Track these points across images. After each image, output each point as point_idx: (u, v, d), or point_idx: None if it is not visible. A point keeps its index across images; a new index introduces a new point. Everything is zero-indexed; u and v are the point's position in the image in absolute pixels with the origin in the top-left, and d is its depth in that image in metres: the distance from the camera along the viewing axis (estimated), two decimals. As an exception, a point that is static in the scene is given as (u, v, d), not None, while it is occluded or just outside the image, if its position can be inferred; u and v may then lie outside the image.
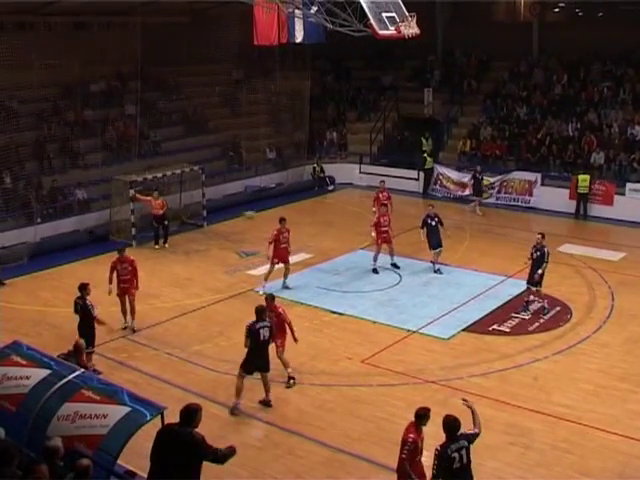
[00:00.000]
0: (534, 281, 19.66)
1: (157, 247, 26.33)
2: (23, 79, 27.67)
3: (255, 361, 14.88)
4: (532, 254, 19.78)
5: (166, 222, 26.52)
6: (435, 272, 22.99)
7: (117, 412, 10.15)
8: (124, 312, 19.20)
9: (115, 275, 18.93)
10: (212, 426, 14.31)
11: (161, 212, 26.40)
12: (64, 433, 9.92)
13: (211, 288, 21.60)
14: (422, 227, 23.24)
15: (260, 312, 14.89)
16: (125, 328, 19.19)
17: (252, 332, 14.71)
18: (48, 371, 11.17)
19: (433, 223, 23.11)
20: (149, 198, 26.62)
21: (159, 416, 10.30)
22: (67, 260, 24.73)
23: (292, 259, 24.28)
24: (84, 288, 16.48)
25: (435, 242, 23.03)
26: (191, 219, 28.75)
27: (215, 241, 26.87)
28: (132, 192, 26.48)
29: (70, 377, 10.95)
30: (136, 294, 19.09)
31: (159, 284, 22.15)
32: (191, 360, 17.48)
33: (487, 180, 31.92)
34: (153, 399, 10.96)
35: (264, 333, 14.77)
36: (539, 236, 19.75)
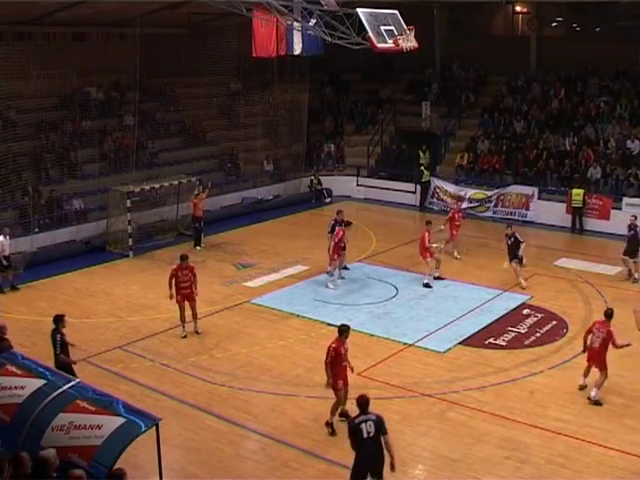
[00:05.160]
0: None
1: (199, 248, 27.04)
2: (21, 89, 27.70)
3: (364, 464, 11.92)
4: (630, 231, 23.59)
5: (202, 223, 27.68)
6: (344, 268, 24.14)
7: (112, 423, 10.10)
8: (183, 319, 19.54)
9: (174, 282, 19.40)
10: (207, 438, 14.34)
11: (202, 212, 27.52)
12: (58, 444, 9.87)
13: (207, 300, 21.55)
14: (330, 232, 24.03)
15: (363, 405, 12.00)
16: (185, 337, 19.41)
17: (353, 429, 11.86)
18: (43, 381, 11.13)
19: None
20: (196, 201, 27.45)
21: (154, 427, 10.26)
22: (63, 270, 24.76)
23: (288, 271, 24.48)
24: (60, 320, 15.42)
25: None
26: (188, 230, 28.69)
27: (212, 253, 26.83)
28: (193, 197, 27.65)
29: (65, 387, 10.90)
30: (197, 300, 19.69)
31: (155, 295, 22.12)
32: (187, 372, 17.44)
33: (484, 194, 32.02)
34: (148, 410, 10.92)
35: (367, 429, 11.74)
36: (633, 217, 23.85)
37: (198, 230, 27.48)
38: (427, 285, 22.93)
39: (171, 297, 19.40)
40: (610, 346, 15.78)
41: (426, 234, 23.16)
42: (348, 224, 24.09)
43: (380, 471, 11.75)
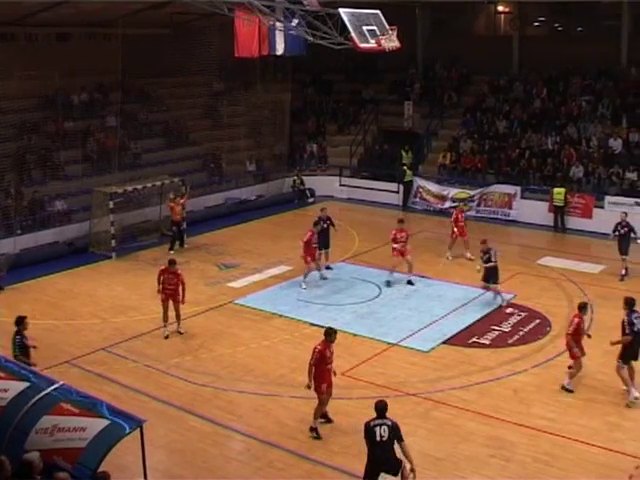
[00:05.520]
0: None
1: (172, 252, 26.36)
2: (3, 90, 27.49)
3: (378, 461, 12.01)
4: (618, 230, 23.54)
5: (184, 225, 27.50)
6: (327, 268, 24.24)
7: (96, 425, 10.04)
8: (165, 319, 19.57)
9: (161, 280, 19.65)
10: (192, 439, 14.32)
11: (180, 217, 27.27)
12: (42, 447, 9.82)
13: (191, 300, 21.41)
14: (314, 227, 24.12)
15: (380, 409, 12.03)
16: (167, 337, 19.45)
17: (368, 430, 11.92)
18: (27, 384, 11.04)
19: (325, 225, 24.20)
20: (172, 204, 27.27)
21: (138, 429, 10.22)
22: (47, 272, 24.64)
23: (272, 271, 24.45)
24: (22, 322, 15.60)
25: (323, 243, 24.02)
26: (170, 231, 28.57)
27: (195, 253, 26.78)
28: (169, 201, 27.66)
29: (49, 390, 10.83)
30: (181, 304, 19.68)
31: (139, 297, 22.10)
32: (170, 372, 17.40)
33: (467, 193, 32.09)
34: (133, 412, 10.87)
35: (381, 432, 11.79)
36: (624, 214, 23.77)
37: (174, 234, 27.27)
38: (388, 283, 22.96)
39: (158, 292, 19.64)
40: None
41: (393, 232, 23.17)
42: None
43: (395, 470, 11.81)
